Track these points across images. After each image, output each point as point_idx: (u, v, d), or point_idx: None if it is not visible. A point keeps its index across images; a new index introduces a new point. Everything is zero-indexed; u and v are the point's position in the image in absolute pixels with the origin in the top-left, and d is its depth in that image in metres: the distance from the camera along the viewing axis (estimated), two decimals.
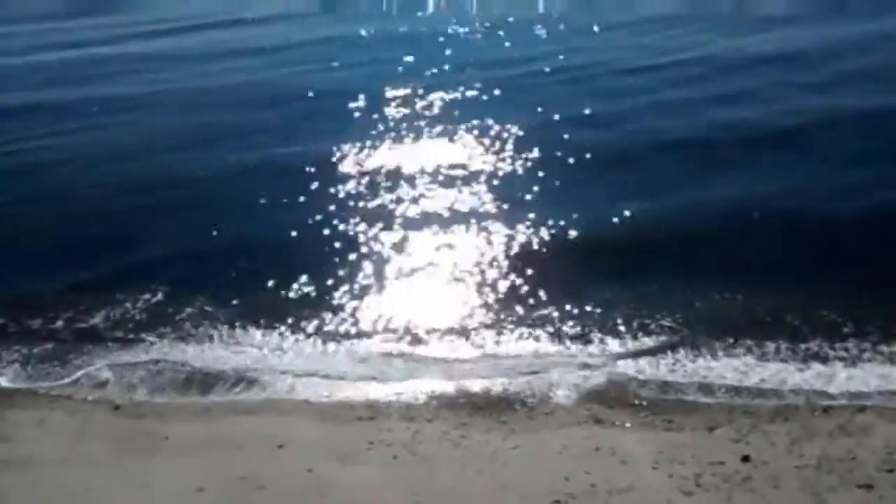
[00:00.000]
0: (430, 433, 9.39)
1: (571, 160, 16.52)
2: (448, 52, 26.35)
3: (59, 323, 12.00)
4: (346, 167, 16.77)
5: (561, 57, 24.91)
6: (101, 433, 9.61)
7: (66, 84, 24.45)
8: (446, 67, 24.33)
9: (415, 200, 15.27)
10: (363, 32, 29.69)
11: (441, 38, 28.59)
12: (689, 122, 18.56)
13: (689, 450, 8.79)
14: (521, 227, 13.94)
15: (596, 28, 28.92)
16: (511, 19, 31.29)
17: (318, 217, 14.72)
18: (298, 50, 27.75)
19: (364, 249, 13.66)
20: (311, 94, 21.83)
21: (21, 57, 28.38)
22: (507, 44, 27.48)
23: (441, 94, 21.48)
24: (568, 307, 11.79)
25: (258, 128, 19.46)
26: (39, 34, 32.31)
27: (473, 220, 14.33)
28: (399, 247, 13.67)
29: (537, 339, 11.22)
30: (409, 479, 8.54)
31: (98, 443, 9.41)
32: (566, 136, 17.71)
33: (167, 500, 8.40)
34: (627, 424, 9.42)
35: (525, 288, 12.32)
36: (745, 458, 8.57)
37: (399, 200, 15.29)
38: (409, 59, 25.30)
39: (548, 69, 23.67)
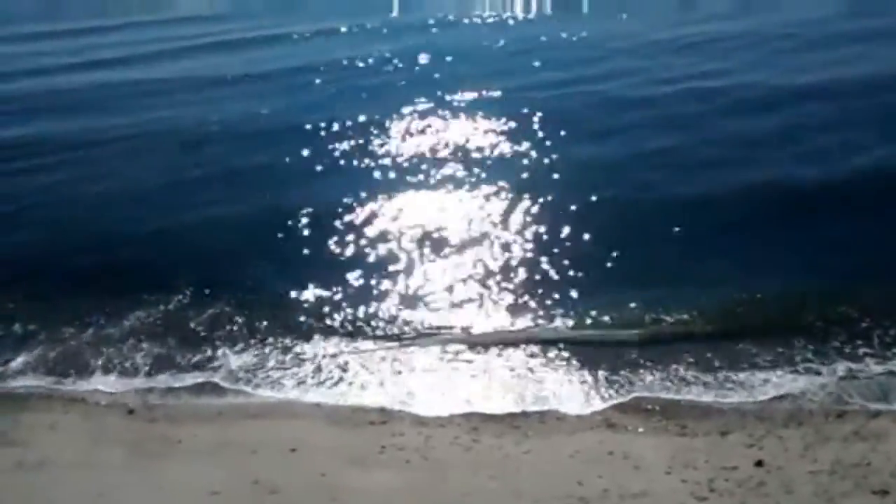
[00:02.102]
0: (442, 438, 9.39)
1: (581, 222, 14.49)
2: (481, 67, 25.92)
3: (75, 328, 12.07)
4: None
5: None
6: (114, 437, 9.66)
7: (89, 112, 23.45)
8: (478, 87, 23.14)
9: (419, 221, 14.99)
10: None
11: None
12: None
13: (703, 455, 8.76)
14: (536, 253, 13.80)
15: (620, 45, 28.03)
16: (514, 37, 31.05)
17: (337, 228, 14.78)
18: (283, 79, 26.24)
19: (379, 261, 13.68)
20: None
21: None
22: (511, 61, 27.02)
23: (458, 123, 20.35)
24: (579, 316, 11.76)
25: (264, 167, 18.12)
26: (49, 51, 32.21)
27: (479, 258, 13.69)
28: (408, 264, 13.59)
29: (549, 345, 11.17)
30: (422, 484, 8.54)
31: (111, 446, 9.45)
32: (577, 184, 15.99)
33: (180, 503, 8.42)
34: (640, 429, 9.41)
35: (537, 299, 12.27)
36: (759, 463, 8.53)
37: (411, 224, 14.89)
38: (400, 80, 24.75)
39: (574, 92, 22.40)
